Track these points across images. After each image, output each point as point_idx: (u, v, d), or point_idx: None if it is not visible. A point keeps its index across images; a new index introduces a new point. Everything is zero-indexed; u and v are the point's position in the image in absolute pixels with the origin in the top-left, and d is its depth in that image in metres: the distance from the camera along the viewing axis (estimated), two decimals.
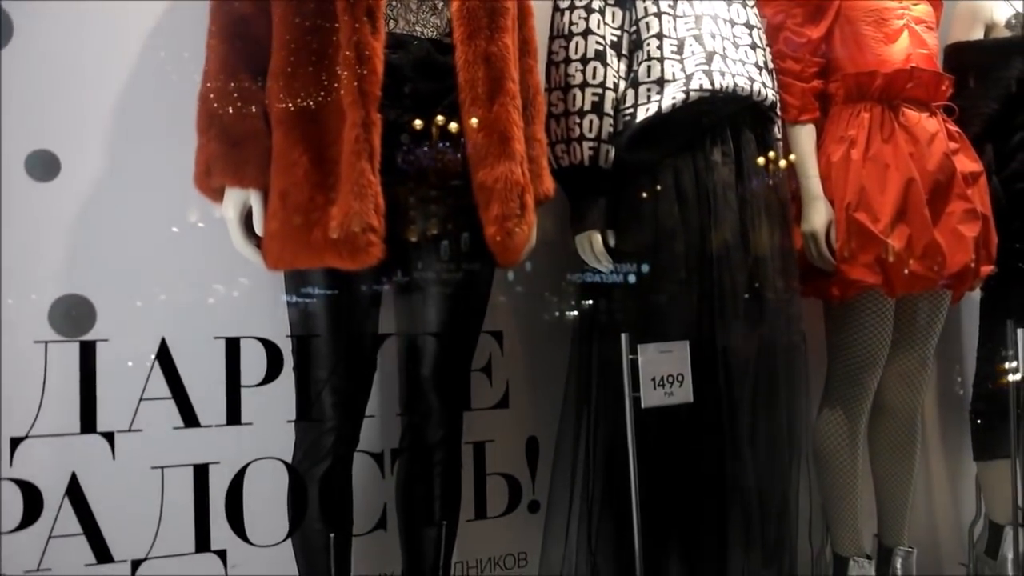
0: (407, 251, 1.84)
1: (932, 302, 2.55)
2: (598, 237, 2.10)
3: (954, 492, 3.10)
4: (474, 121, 1.80)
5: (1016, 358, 2.49)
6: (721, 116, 2.11)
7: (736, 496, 2.08)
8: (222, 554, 1.98)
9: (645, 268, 2.05)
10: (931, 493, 3.06)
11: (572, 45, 2.13)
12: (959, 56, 2.77)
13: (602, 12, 2.14)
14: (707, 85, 2.08)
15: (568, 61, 2.13)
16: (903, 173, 2.36)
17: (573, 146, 2.10)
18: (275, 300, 1.89)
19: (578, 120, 2.09)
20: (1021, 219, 2.72)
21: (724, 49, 2.14)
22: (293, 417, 1.86)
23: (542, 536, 2.19)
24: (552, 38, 2.18)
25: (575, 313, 2.23)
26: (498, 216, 1.80)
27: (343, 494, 1.85)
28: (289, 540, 1.86)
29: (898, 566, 2.60)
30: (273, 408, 2.00)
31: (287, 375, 2.02)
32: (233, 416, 2.00)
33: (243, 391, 2.01)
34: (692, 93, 2.07)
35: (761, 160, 2.17)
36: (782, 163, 2.34)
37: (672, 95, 2.07)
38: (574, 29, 2.13)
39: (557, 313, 2.29)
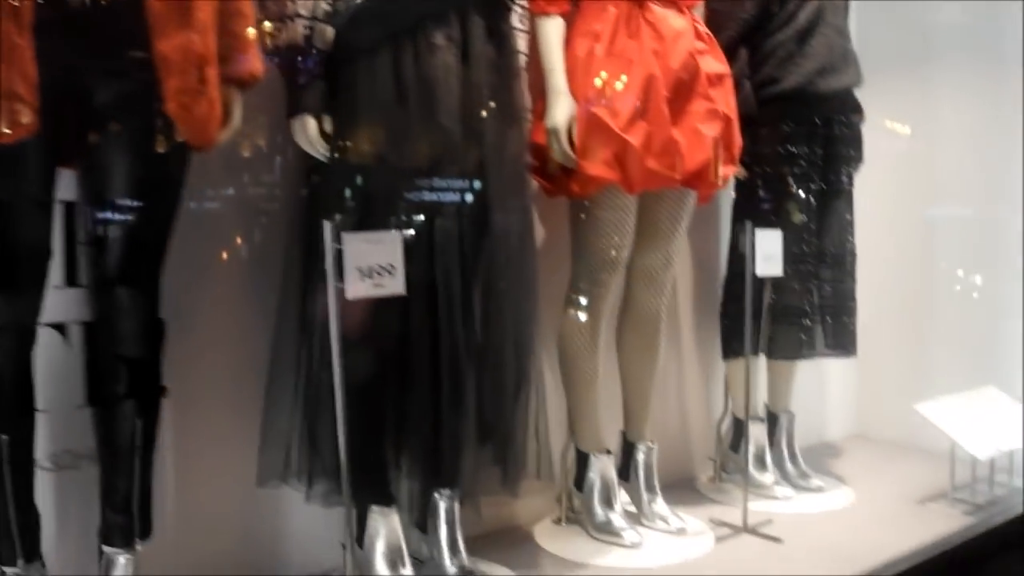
0: (83, 130, 1.70)
1: (675, 201, 2.57)
2: (312, 122, 2.00)
3: (707, 390, 3.20)
4: None
5: (751, 258, 2.55)
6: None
7: (457, 393, 2.05)
8: None
9: (359, 154, 1.97)
10: (684, 391, 3.15)
11: None
12: None
13: None
14: None
15: None
16: (645, 69, 2.34)
17: (287, 24, 1.98)
18: None
19: None
20: (770, 124, 2.77)
21: None
22: None
23: (260, 437, 2.11)
24: None
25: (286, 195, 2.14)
26: (176, 90, 1.68)
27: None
28: None
29: (640, 460, 2.67)
30: None
31: None
32: None
33: None
34: None
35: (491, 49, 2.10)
36: (521, 56, 2.29)
37: None
38: None
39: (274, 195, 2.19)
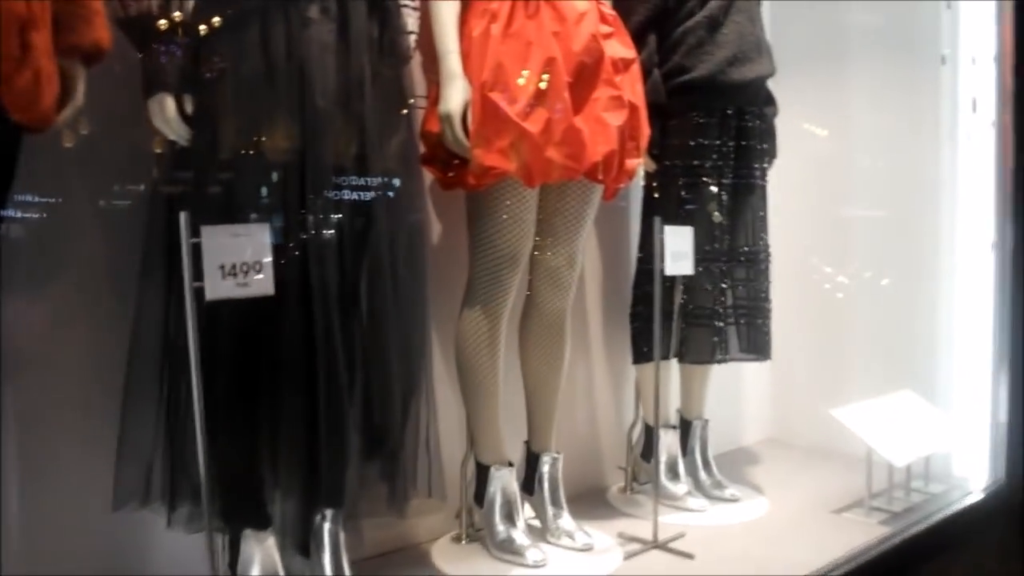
0: None
1: (579, 195, 2.41)
2: (170, 101, 1.78)
3: (617, 396, 3.05)
4: None
5: (660, 257, 2.40)
6: None
7: (337, 403, 1.85)
8: None
9: (219, 137, 1.76)
10: (594, 398, 2.99)
11: None
12: None
13: None
14: None
15: None
16: (545, 52, 2.17)
17: None
18: None
19: None
20: (680, 115, 2.63)
21: None
22: None
23: (116, 455, 1.88)
24: None
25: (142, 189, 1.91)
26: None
27: None
28: None
29: (544, 472, 2.50)
30: None
31: None
32: None
33: None
34: None
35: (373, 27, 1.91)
36: (411, 35, 2.11)
37: None
38: None
39: (128, 188, 1.96)
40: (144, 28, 1.78)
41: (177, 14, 1.77)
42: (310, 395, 1.84)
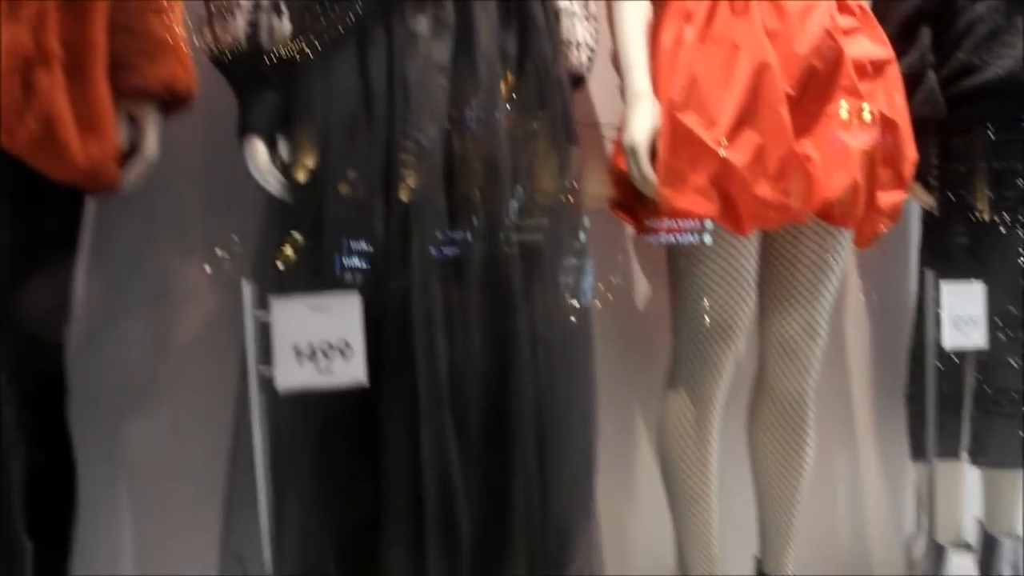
0: None
1: (819, 243, 1.82)
2: (260, 146, 1.49)
3: (892, 502, 2.38)
4: None
5: (937, 323, 1.77)
6: None
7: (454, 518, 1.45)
8: None
9: (306, 187, 1.43)
10: (861, 503, 2.35)
11: None
12: None
13: None
14: None
15: None
16: (755, 57, 1.65)
17: (229, 21, 1.48)
18: None
19: None
20: (968, 131, 1.97)
21: None
22: None
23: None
24: None
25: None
26: (2, 107, 1.21)
27: None
28: None
29: None
30: None
31: None
32: None
33: None
34: None
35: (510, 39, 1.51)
36: (580, 49, 1.69)
37: None
38: None
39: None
40: (233, 63, 1.50)
41: (266, 42, 1.48)
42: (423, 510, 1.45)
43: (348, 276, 1.40)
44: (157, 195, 1.63)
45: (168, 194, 1.67)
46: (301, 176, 1.44)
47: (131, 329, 1.71)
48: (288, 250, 1.42)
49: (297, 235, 1.42)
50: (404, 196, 1.40)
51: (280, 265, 1.41)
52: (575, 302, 1.59)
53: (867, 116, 1.70)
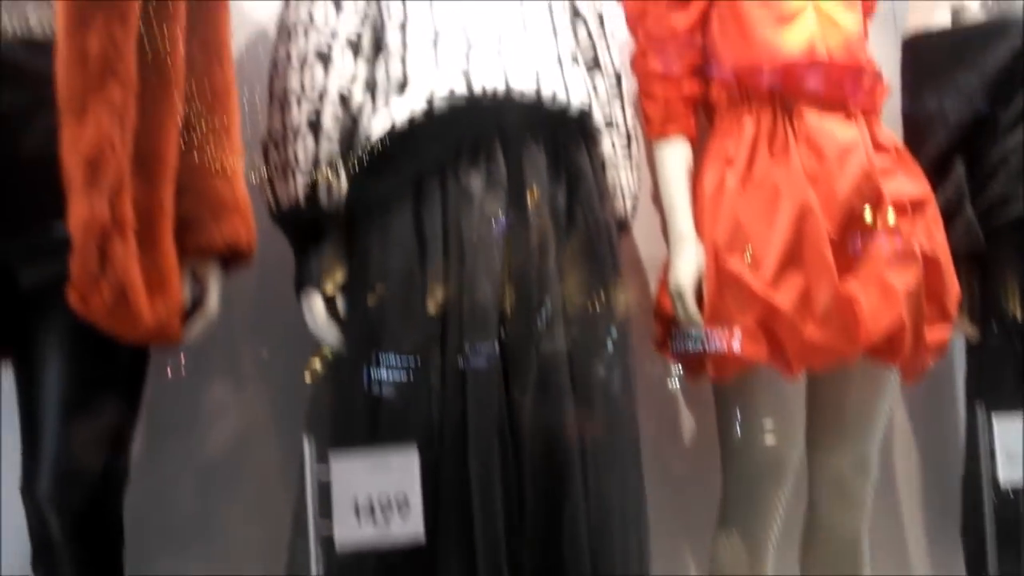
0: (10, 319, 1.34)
1: (867, 381, 1.81)
2: (318, 300, 1.52)
3: None
4: (66, 139, 1.27)
5: (991, 455, 1.74)
6: (489, 128, 1.50)
7: None
8: None
9: (363, 344, 1.46)
10: None
11: (293, 45, 1.58)
12: (917, 49, 2.07)
13: (336, 1, 1.58)
14: (460, 89, 1.48)
15: (286, 66, 1.57)
16: (796, 200, 1.68)
17: (289, 180, 1.53)
18: None
19: (292, 144, 1.53)
20: (1008, 263, 1.97)
21: (499, 38, 1.54)
22: None
23: None
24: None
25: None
26: (75, 275, 1.25)
27: None
28: None
29: None
30: None
31: None
32: None
33: None
34: (438, 101, 1.48)
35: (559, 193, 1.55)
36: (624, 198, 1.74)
37: (411, 104, 1.49)
38: (296, 23, 1.58)
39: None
40: (293, 222, 1.55)
41: (324, 199, 1.53)
42: None
43: (405, 431, 1.41)
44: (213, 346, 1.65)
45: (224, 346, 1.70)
46: (357, 330, 1.47)
47: (185, 483, 1.72)
48: (345, 402, 1.43)
49: (354, 388, 1.44)
50: (459, 352, 1.43)
51: (337, 417, 1.43)
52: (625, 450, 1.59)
53: (909, 255, 1.73)
